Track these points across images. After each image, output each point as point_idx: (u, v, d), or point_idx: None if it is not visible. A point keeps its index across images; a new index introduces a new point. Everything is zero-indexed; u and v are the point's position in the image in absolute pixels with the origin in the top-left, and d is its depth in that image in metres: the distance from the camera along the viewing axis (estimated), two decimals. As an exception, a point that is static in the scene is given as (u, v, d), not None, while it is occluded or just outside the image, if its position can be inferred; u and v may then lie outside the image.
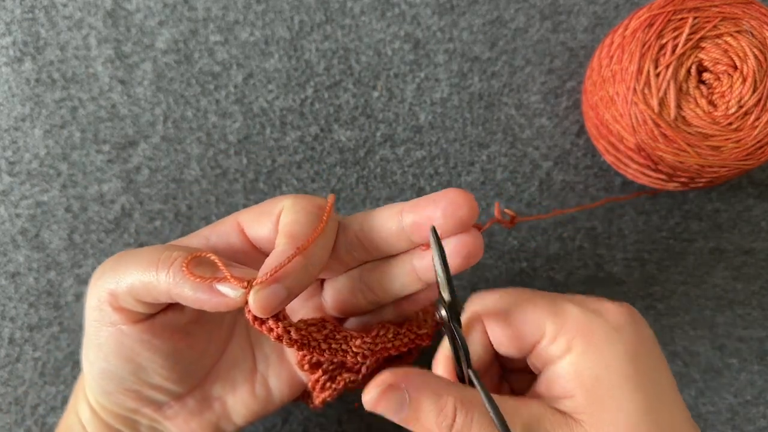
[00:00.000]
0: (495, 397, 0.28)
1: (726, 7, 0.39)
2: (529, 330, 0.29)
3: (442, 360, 0.32)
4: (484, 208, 0.49)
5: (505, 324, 0.30)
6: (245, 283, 0.28)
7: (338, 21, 0.49)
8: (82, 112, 0.49)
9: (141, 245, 0.48)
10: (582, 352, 0.28)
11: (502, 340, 0.30)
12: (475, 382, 0.28)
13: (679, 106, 0.39)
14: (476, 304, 0.31)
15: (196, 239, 0.33)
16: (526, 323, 0.30)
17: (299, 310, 0.36)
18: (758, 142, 0.39)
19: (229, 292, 0.28)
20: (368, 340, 0.32)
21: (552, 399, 0.29)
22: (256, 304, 0.28)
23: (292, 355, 0.37)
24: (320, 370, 0.35)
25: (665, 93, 0.39)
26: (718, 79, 0.40)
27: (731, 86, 0.39)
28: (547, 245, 0.48)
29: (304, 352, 0.31)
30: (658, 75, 0.39)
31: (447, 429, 0.28)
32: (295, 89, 0.49)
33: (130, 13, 0.49)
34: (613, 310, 0.30)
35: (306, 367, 0.34)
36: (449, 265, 0.29)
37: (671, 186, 0.45)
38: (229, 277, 0.28)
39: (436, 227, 0.29)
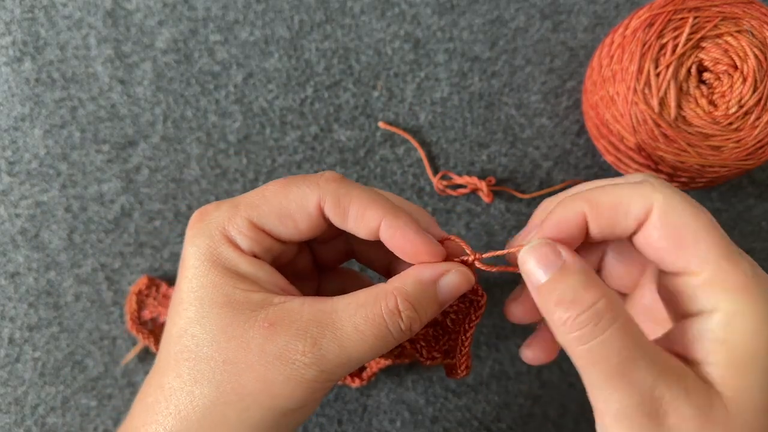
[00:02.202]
0: (642, 332, 0.26)
1: (726, 6, 0.39)
2: (691, 255, 0.26)
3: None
4: (485, 207, 0.49)
5: (673, 232, 0.26)
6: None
7: (338, 21, 0.49)
8: (81, 111, 0.49)
9: (141, 245, 0.48)
10: (742, 312, 0.25)
11: (659, 245, 0.27)
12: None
13: (679, 106, 0.39)
14: (651, 189, 0.27)
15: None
16: (694, 246, 0.26)
17: None
18: (758, 141, 0.39)
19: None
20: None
21: (689, 360, 0.26)
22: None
23: None
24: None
25: (665, 93, 0.39)
26: (719, 78, 0.40)
27: (731, 86, 0.39)
28: (548, 245, 0.48)
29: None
30: (658, 75, 0.39)
31: (589, 304, 0.25)
32: (295, 89, 0.49)
33: (130, 13, 0.49)
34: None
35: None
36: None
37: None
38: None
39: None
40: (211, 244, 0.29)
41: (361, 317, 0.28)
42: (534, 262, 0.27)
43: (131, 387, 0.48)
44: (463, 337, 0.34)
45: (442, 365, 0.37)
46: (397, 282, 0.29)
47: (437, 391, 0.48)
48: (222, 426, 0.28)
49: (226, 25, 0.49)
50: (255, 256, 0.30)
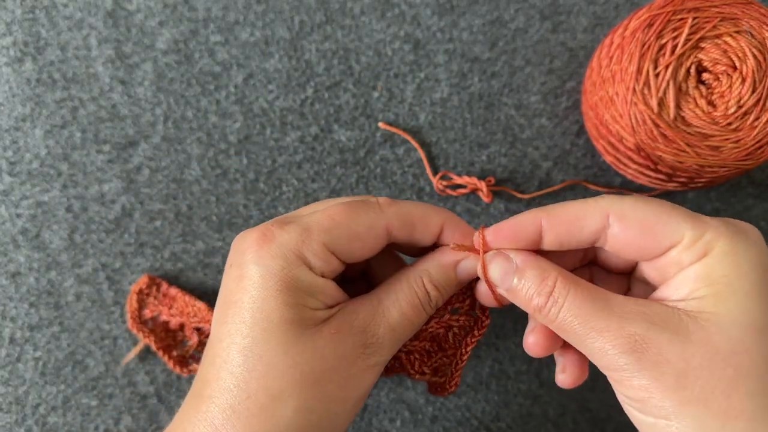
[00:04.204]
0: (606, 293, 0.30)
1: (725, 7, 0.39)
2: (667, 234, 0.30)
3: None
4: (485, 207, 0.49)
5: (640, 226, 0.30)
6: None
7: (338, 21, 0.49)
8: (82, 112, 0.49)
9: (141, 245, 0.48)
10: (718, 255, 0.29)
11: (631, 241, 0.30)
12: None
13: (678, 107, 0.39)
14: (608, 201, 0.31)
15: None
16: (666, 226, 0.30)
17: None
18: (757, 142, 0.39)
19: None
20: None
21: (675, 301, 0.30)
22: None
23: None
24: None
25: (665, 93, 0.39)
26: (718, 79, 0.40)
27: (730, 86, 0.39)
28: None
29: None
30: (657, 75, 0.39)
31: (545, 296, 0.30)
32: (295, 89, 0.49)
33: (131, 14, 0.49)
34: (751, 228, 0.30)
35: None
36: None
37: (671, 186, 0.45)
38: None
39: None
40: (285, 265, 0.31)
41: (404, 302, 0.33)
42: (493, 270, 0.32)
43: (132, 386, 0.48)
44: (462, 351, 0.37)
45: (427, 382, 0.39)
46: (422, 265, 0.34)
47: (437, 391, 0.48)
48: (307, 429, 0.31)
49: (226, 26, 0.49)
50: (323, 275, 0.32)
